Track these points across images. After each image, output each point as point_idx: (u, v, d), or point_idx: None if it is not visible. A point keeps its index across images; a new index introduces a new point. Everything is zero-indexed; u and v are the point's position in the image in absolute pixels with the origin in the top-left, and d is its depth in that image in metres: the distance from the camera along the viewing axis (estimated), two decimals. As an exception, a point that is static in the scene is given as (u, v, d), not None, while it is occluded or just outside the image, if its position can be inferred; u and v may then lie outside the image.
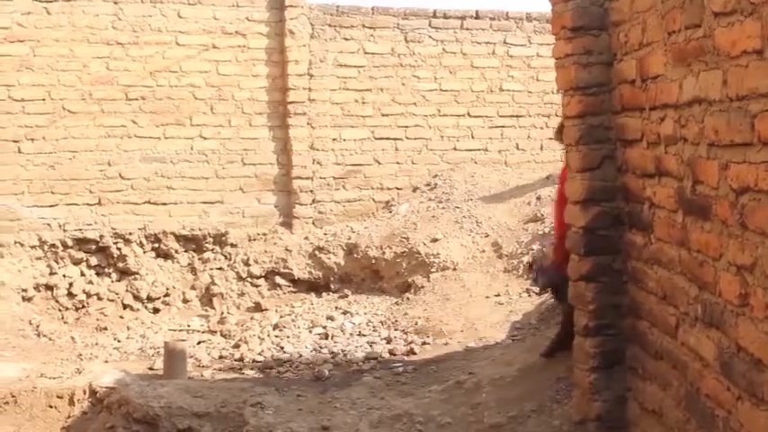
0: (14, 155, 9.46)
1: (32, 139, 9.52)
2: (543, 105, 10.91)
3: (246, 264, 9.57)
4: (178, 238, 9.68)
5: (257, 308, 9.10)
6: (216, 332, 8.27)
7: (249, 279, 9.50)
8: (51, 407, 5.44)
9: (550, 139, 10.66)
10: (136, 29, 9.80)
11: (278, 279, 9.52)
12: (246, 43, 10.09)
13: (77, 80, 9.65)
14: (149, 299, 9.28)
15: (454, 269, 8.58)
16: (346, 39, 10.44)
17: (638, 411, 3.67)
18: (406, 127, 10.55)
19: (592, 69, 3.87)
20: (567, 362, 4.52)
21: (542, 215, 9.04)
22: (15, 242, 9.23)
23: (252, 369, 6.86)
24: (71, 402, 5.52)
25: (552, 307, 6.36)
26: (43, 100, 9.55)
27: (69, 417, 5.42)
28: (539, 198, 9.50)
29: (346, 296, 9.03)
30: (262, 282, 9.51)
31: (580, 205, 3.89)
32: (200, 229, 9.73)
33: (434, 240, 8.99)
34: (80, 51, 9.66)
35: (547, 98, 10.82)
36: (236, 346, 7.53)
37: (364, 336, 7.21)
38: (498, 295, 8.08)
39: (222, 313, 8.95)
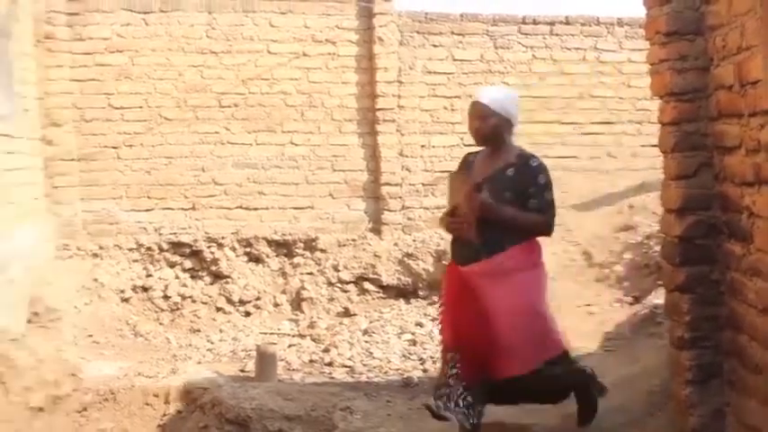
0: (114, 161, 9.80)
1: (130, 146, 9.84)
2: (635, 112, 10.68)
3: (336, 269, 9.66)
4: (269, 242, 9.85)
5: (346, 313, 9.18)
6: (306, 336, 8.37)
7: (338, 284, 9.59)
8: (148, 405, 5.59)
9: (643, 146, 10.51)
10: (229, 38, 10.02)
11: (367, 285, 9.58)
12: (336, 51, 10.21)
13: (173, 88, 9.93)
14: (241, 302, 9.46)
15: (545, 277, 8.47)
16: (435, 45, 10.45)
17: (736, 427, 3.56)
18: (496, 134, 10.48)
19: (687, 75, 3.78)
20: (662, 374, 4.43)
21: (634, 224, 8.87)
22: (114, 245, 9.55)
23: (341, 373, 6.92)
24: (167, 401, 5.67)
25: (646, 317, 6.23)
26: (140, 108, 9.86)
27: (165, 415, 5.57)
28: (631, 206, 9.32)
29: (435, 303, 9.02)
30: (351, 287, 9.58)
31: (675, 214, 3.80)
32: (290, 234, 9.87)
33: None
34: (176, 60, 9.94)
35: (639, 104, 10.59)
36: (326, 351, 7.60)
37: (454, 344, 7.17)
38: (589, 305, 7.95)
39: (312, 318, 9.05)
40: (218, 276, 9.64)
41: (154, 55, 9.90)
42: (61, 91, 9.58)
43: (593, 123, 10.68)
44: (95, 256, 9.42)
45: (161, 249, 9.65)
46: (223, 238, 9.76)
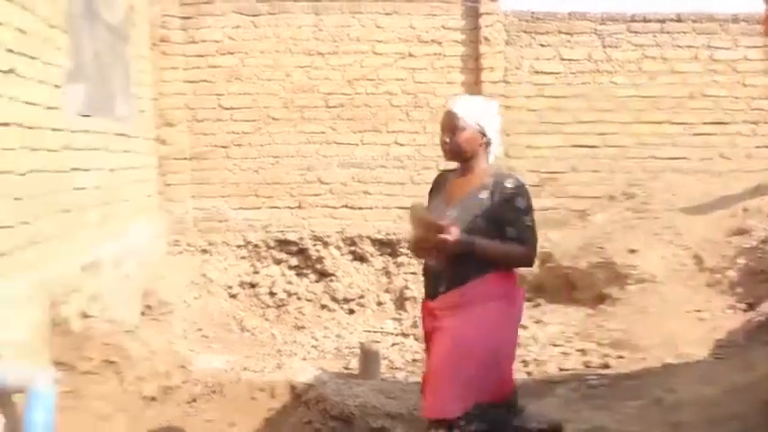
0: (223, 160, 10.05)
1: (239, 145, 10.07)
2: (750, 111, 10.31)
3: (439, 269, 9.64)
4: (373, 241, 9.93)
5: (449, 313, 9.16)
6: (409, 335, 8.39)
7: (442, 284, 9.56)
8: (254, 398, 5.68)
9: (758, 147, 10.14)
10: (335, 39, 10.14)
11: (471, 286, 9.52)
12: (442, 51, 10.21)
13: (281, 89, 10.11)
14: (345, 300, 9.57)
15: (652, 282, 8.24)
16: (542, 45, 10.32)
17: None
18: (604, 134, 10.28)
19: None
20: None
21: (748, 228, 8.55)
22: (222, 242, 9.80)
23: (443, 374, 6.89)
24: (272, 395, 5.74)
25: (761, 325, 6.01)
26: (249, 108, 10.08)
27: (270, 409, 5.64)
28: (745, 210, 8.98)
29: (539, 305, 8.91)
30: (454, 287, 9.54)
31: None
32: (394, 234, 9.92)
33: (632, 251, 8.67)
34: (283, 61, 10.12)
35: (755, 104, 10.23)
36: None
37: (557, 346, 7.07)
38: (699, 310, 7.69)
39: (415, 317, 9.07)
40: (322, 274, 9.77)
41: (262, 56, 10.11)
42: (175, 92, 9.89)
43: (704, 124, 10.35)
44: (205, 252, 9.68)
45: (268, 247, 9.84)
46: (328, 236, 9.90)
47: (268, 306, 9.43)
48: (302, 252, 9.86)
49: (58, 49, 5.73)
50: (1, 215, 4.54)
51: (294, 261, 9.84)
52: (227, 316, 8.86)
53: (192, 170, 10.02)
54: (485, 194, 3.56)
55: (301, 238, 9.86)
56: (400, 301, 9.51)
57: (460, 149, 3.65)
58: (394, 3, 10.15)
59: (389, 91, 10.17)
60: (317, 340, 8.45)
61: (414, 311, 9.25)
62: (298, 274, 9.77)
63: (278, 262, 9.83)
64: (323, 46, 10.15)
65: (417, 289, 9.50)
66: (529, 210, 3.57)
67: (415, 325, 8.75)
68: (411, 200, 9.85)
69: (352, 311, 9.48)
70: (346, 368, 7.19)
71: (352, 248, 9.92)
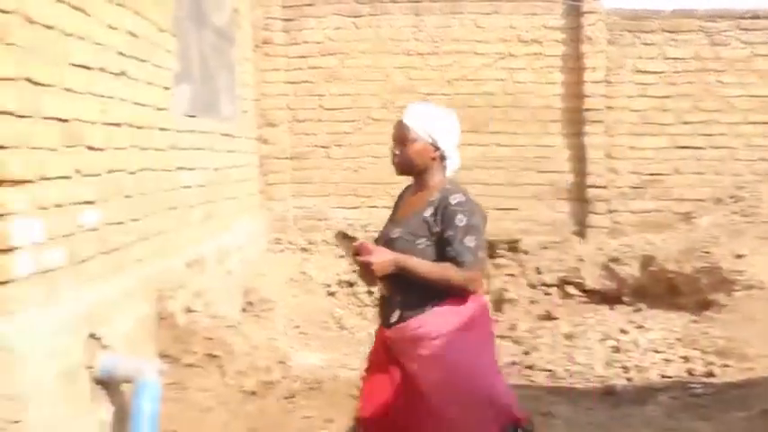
0: (324, 159, 10.20)
1: (339, 145, 10.19)
2: None
3: (538, 271, 9.54)
4: (471, 243, 9.88)
5: (548, 316, 9.01)
6: (506, 337, 8.32)
7: (541, 287, 9.48)
8: (351, 396, 5.75)
9: None
10: (435, 39, 10.16)
11: (569, 288, 9.40)
12: (542, 50, 10.10)
13: (380, 89, 10.18)
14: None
15: (761, 288, 7.96)
16: (646, 44, 10.09)
17: None
18: (710, 135, 9.98)
19: None
20: None
21: None
22: (322, 240, 9.91)
23: (542, 377, 6.83)
24: (370, 394, 5.80)
25: None
26: (349, 108, 10.19)
27: (367, 407, 5.71)
28: None
29: (640, 310, 8.68)
30: (553, 290, 9.45)
31: None
32: (494, 235, 9.85)
33: (739, 256, 8.38)
34: (383, 62, 10.20)
35: None
36: (527, 353, 7.52)
37: (659, 352, 6.88)
38: None
39: (513, 319, 8.99)
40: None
41: (362, 57, 10.20)
42: (277, 93, 10.10)
43: (819, 124, 9.95)
44: (304, 250, 9.82)
45: (366, 246, 9.91)
46: (426, 237, 9.90)
47: (366, 305, 9.48)
48: (400, 252, 9.89)
49: (167, 52, 5.90)
50: (113, 212, 4.71)
51: (390, 260, 9.87)
52: (326, 314, 8.95)
53: (292, 169, 10.19)
54: (429, 212, 3.26)
55: (399, 238, 9.90)
56: (498, 303, 9.44)
57: (411, 162, 3.38)
58: (494, 2, 10.11)
59: (489, 91, 10.13)
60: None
61: (512, 314, 9.17)
62: (397, 274, 9.80)
63: (376, 261, 9.88)
64: (423, 46, 10.18)
65: (516, 291, 9.43)
66: (471, 228, 3.18)
67: (512, 327, 8.67)
68: (510, 201, 9.86)
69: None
70: (443, 368, 7.17)
71: (450, 249, 9.91)
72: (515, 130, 10.09)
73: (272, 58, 10.09)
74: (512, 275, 9.59)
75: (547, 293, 9.41)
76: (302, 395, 5.62)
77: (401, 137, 3.39)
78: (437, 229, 3.20)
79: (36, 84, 3.75)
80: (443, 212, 3.21)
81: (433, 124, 3.38)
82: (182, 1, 6.34)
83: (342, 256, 9.80)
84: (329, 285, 9.46)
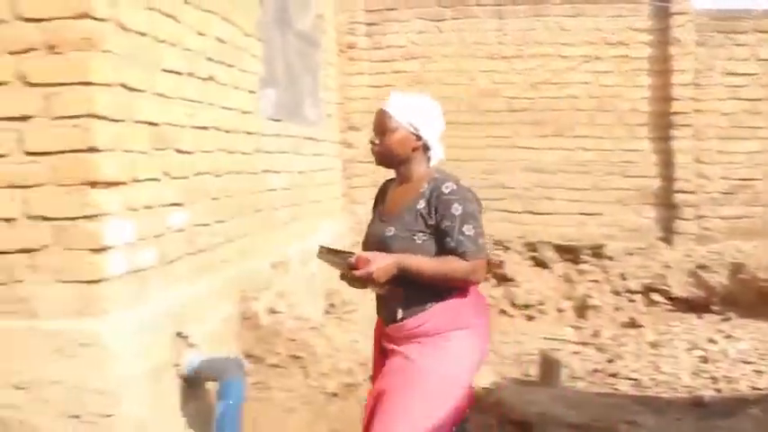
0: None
1: (424, 149, 10.17)
2: None
3: (623, 278, 9.38)
4: (555, 248, 9.79)
5: (632, 324, 8.85)
6: (589, 345, 8.20)
7: (625, 293, 9.31)
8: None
9: None
10: (519, 42, 10.09)
11: (655, 296, 9.21)
12: (629, 53, 9.93)
13: (464, 93, 10.16)
14: (524, 306, 9.48)
15: None
16: (737, 45, 9.82)
17: None
18: (805, 139, 9.68)
19: None
20: None
21: None
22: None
23: (626, 386, 6.70)
24: (451, 398, 5.78)
25: None
26: (433, 112, 10.16)
27: (447, 411, 5.68)
28: None
29: (729, 319, 8.46)
30: (638, 297, 9.27)
31: None
32: (577, 240, 9.74)
33: (836, 265, 8.12)
34: (467, 66, 10.17)
35: None
36: (610, 361, 7.39)
37: (750, 363, 6.69)
38: None
39: (596, 326, 8.86)
40: (503, 279, 9.73)
41: (446, 61, 10.20)
42: (360, 97, 10.16)
43: None
44: (386, 254, 9.84)
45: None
46: (509, 241, 9.84)
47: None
48: (482, 256, 9.85)
49: (252, 57, 6.00)
50: (200, 214, 4.81)
51: (474, 265, 9.84)
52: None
53: (373, 173, 10.23)
54: (422, 204, 3.11)
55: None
56: (581, 309, 9.32)
57: (391, 153, 3.21)
58: (579, 5, 9.97)
59: (574, 95, 10.00)
60: (495, 345, 8.42)
61: (595, 320, 9.04)
62: (478, 279, 9.77)
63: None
64: (506, 50, 10.12)
65: (600, 298, 9.28)
66: (469, 216, 3.04)
67: (596, 335, 8.54)
68: (594, 206, 9.71)
69: (530, 318, 9.38)
70: (525, 375, 7.12)
71: (533, 254, 9.83)
72: (601, 134, 9.94)
73: (356, 62, 10.17)
74: (595, 281, 9.44)
75: (631, 300, 9.24)
76: (383, 398, 5.63)
77: (381, 126, 3.22)
78: (432, 222, 3.07)
79: (130, 89, 3.86)
80: (437, 203, 3.07)
81: (416, 113, 3.23)
82: (267, 6, 6.44)
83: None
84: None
